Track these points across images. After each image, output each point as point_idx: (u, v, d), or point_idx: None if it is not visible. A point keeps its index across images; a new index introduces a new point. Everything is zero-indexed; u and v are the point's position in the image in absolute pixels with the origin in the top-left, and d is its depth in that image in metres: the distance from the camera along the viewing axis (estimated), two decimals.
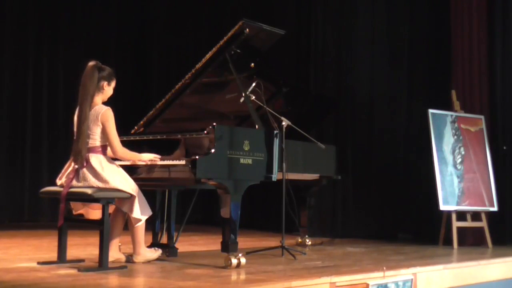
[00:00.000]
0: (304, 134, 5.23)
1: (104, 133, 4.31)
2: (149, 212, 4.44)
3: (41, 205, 8.49)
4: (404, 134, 7.46)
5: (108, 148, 4.39)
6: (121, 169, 4.39)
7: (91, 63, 4.40)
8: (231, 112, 5.49)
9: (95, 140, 4.31)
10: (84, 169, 4.27)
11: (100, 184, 4.22)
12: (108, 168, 4.29)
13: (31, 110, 8.76)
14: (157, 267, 4.42)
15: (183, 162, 4.39)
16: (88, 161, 4.27)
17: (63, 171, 4.40)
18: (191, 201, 5.15)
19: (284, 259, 5.01)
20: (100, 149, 4.33)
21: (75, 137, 4.34)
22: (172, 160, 4.54)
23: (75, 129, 4.37)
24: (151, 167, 4.62)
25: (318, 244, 6.39)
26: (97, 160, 4.29)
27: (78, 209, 4.49)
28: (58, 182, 4.39)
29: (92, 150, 4.30)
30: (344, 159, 7.15)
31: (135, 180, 4.43)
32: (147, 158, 4.54)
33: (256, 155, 4.58)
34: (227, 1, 9.31)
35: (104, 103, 4.43)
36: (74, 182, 4.28)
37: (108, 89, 4.44)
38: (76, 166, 4.30)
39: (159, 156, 4.57)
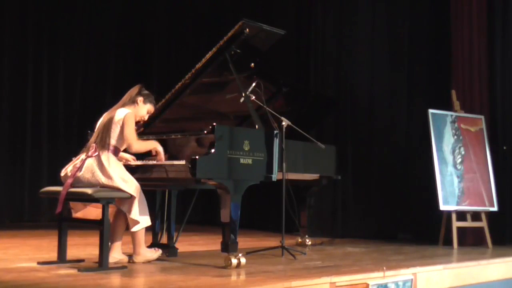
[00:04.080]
0: (304, 134, 5.23)
1: (121, 132, 4.42)
2: (147, 220, 4.44)
3: (41, 205, 8.48)
4: (404, 134, 7.46)
5: (120, 149, 4.50)
6: (125, 170, 4.42)
7: (137, 85, 4.68)
8: (231, 112, 5.49)
9: (112, 138, 4.40)
10: (92, 160, 4.33)
11: (103, 179, 4.27)
12: (114, 166, 4.36)
13: (31, 110, 8.76)
14: (157, 267, 4.42)
15: (183, 162, 4.39)
16: (97, 154, 4.35)
17: (70, 163, 4.46)
18: (191, 201, 5.15)
19: (284, 259, 5.01)
20: (112, 148, 4.41)
21: (95, 133, 4.49)
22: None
23: (97, 127, 4.51)
24: (151, 167, 4.62)
25: (318, 244, 6.39)
26: (106, 156, 4.36)
27: (79, 209, 4.49)
28: (63, 173, 4.42)
29: (107, 147, 4.38)
30: (344, 159, 7.16)
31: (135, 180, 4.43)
32: (153, 145, 4.59)
33: (256, 155, 4.58)
34: (227, 1, 9.31)
35: None
36: (80, 173, 4.30)
37: (142, 106, 4.62)
38: (85, 157, 4.36)
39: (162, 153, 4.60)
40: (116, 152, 4.45)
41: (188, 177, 4.33)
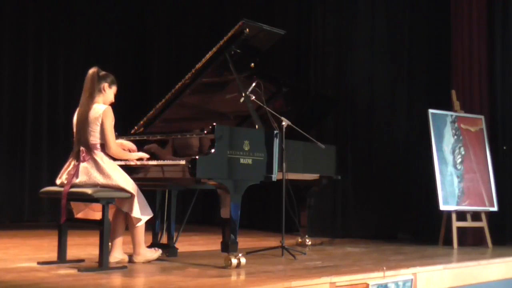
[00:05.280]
0: (304, 134, 5.23)
1: (101, 129, 4.34)
2: (149, 213, 4.44)
3: (41, 205, 8.48)
4: (404, 134, 7.46)
5: None
6: (120, 168, 4.41)
7: (92, 69, 4.49)
8: (231, 112, 5.49)
9: (96, 137, 4.35)
10: (86, 164, 4.30)
11: (102, 179, 4.25)
12: (109, 164, 4.35)
13: (31, 110, 8.76)
14: (157, 267, 4.42)
15: (182, 162, 4.39)
16: (89, 156, 4.31)
17: (62, 170, 4.42)
18: (191, 201, 5.15)
19: (284, 259, 5.01)
20: (100, 146, 4.36)
21: (75, 135, 4.41)
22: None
23: (75, 128, 4.43)
24: (151, 167, 4.62)
25: (318, 244, 6.39)
26: (98, 156, 4.33)
27: (80, 210, 4.49)
28: (58, 181, 4.40)
29: (93, 147, 4.34)
30: (344, 159, 7.16)
31: (135, 180, 4.43)
32: (135, 156, 4.57)
33: (256, 155, 4.58)
34: (227, 1, 9.31)
35: None
36: (76, 179, 4.28)
37: (109, 92, 4.50)
38: (77, 163, 4.33)
39: (147, 155, 4.59)
40: (105, 149, 4.38)
41: (188, 177, 4.33)
